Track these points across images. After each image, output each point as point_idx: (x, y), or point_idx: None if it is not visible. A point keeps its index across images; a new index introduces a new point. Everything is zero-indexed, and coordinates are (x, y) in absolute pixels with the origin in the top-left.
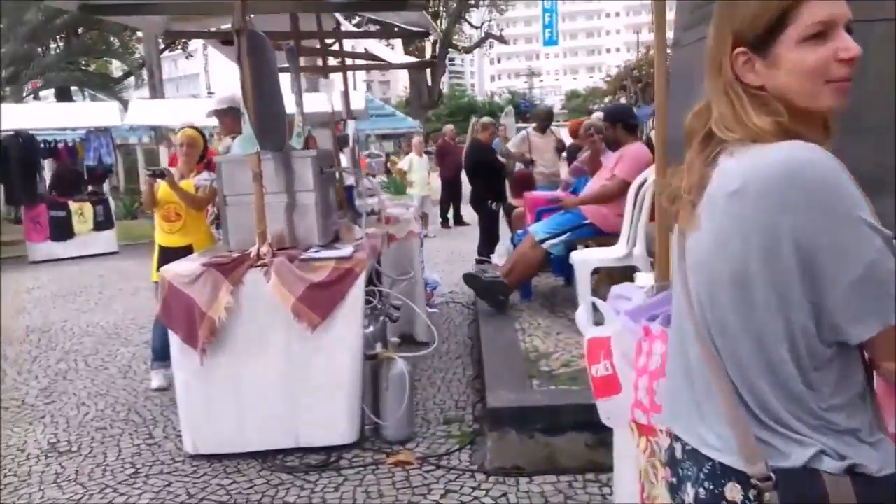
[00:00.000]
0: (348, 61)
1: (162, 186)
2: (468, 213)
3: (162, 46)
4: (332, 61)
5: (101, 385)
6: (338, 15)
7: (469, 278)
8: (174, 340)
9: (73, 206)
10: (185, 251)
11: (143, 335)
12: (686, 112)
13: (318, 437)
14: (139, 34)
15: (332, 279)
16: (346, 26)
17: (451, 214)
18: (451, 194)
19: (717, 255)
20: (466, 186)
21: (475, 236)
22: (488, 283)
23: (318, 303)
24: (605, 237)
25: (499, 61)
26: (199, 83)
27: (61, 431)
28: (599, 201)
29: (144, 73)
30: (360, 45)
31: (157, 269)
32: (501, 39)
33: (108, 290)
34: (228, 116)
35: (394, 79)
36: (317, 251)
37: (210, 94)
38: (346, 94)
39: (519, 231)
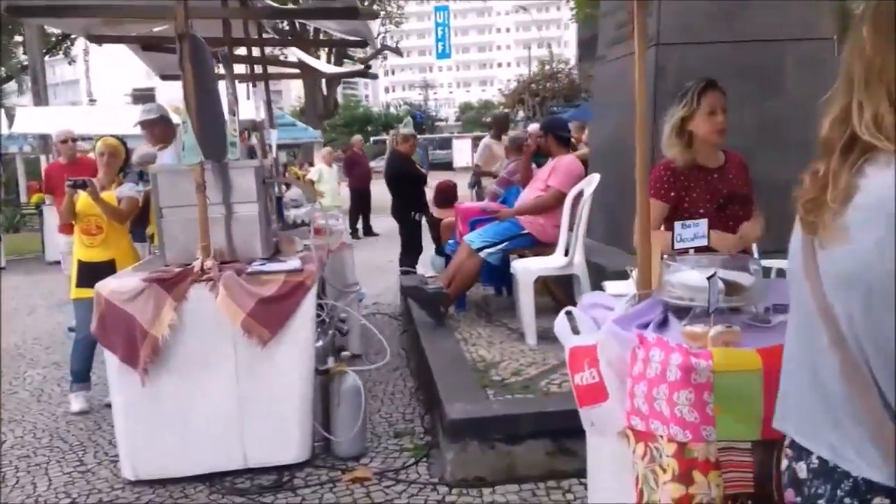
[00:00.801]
0: (266, 70)
1: (82, 198)
2: (379, 224)
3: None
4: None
5: (14, 410)
6: (264, 22)
7: (411, 291)
8: (111, 361)
9: None
10: (107, 265)
11: (49, 356)
12: (608, 125)
13: (268, 457)
14: (17, 38)
15: (282, 293)
16: (268, 34)
17: (360, 225)
18: (360, 205)
19: (881, 270)
20: (377, 197)
21: (387, 246)
22: (432, 295)
23: (269, 317)
24: (542, 247)
25: (392, 73)
26: (78, 89)
27: None
28: (535, 212)
29: (23, 78)
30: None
31: (78, 285)
32: (397, 51)
33: (2, 308)
34: (158, 126)
35: (286, 88)
36: (262, 264)
37: (92, 100)
38: (268, 103)
39: (450, 241)
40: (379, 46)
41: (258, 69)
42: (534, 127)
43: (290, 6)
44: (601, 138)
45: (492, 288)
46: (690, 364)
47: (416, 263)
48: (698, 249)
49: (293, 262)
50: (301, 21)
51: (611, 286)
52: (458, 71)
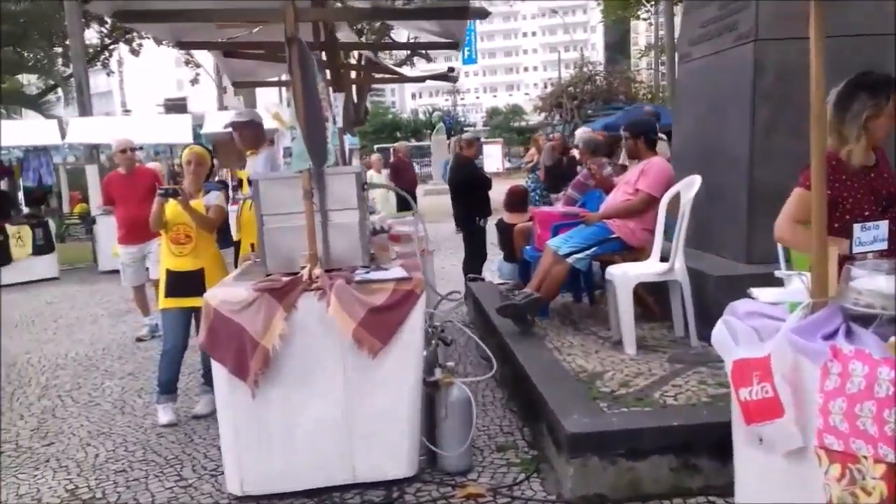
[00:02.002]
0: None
1: (171, 206)
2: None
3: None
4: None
5: (100, 423)
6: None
7: (504, 308)
8: (220, 372)
9: (10, 229)
10: (197, 275)
11: (123, 366)
12: (694, 125)
13: (377, 471)
14: (56, 49)
15: (392, 302)
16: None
17: None
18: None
19: None
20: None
21: (441, 253)
22: (524, 306)
23: (380, 327)
24: (630, 251)
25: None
26: (112, 100)
27: (76, 476)
28: (624, 216)
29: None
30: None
31: (168, 295)
32: (427, 57)
33: (64, 319)
34: (248, 130)
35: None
36: (366, 272)
37: (126, 111)
38: (351, 107)
39: (526, 247)
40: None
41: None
42: (582, 130)
43: (395, 6)
44: (686, 138)
45: (569, 295)
46: None
47: (482, 270)
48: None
49: (397, 270)
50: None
51: (761, 293)
52: (484, 76)
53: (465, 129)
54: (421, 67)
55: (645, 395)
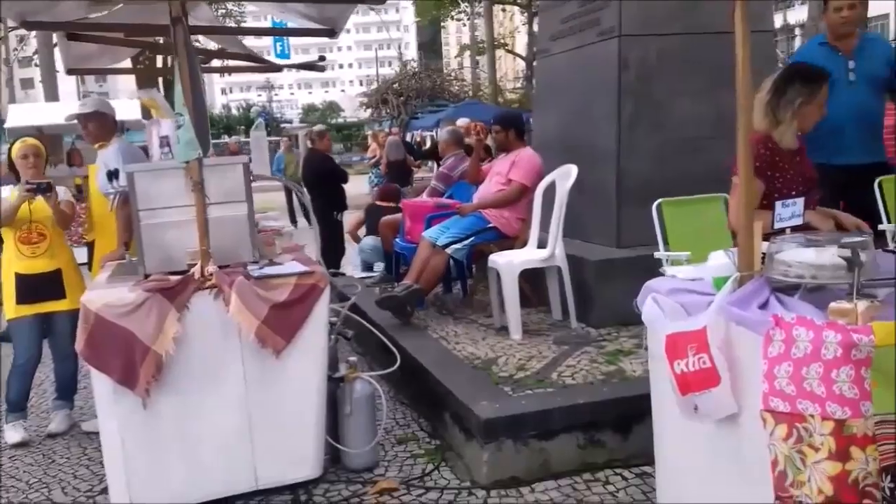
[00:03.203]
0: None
1: (31, 204)
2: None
3: None
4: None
5: None
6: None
7: (384, 301)
8: (102, 384)
9: None
10: (54, 276)
11: None
12: (557, 119)
13: (282, 475)
14: None
15: (295, 297)
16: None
17: None
18: None
19: None
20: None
21: None
22: (405, 297)
23: (284, 324)
24: (506, 240)
25: (230, 74)
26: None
27: None
28: (499, 205)
29: None
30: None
31: (19, 302)
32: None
33: None
34: (93, 122)
35: (116, 88)
36: (260, 268)
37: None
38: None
39: (397, 240)
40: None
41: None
42: (464, 121)
43: None
44: (548, 132)
45: (440, 286)
46: (852, 340)
47: (340, 265)
48: (794, 229)
49: (293, 265)
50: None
51: (679, 271)
52: (298, 72)
53: (282, 125)
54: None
55: (544, 377)
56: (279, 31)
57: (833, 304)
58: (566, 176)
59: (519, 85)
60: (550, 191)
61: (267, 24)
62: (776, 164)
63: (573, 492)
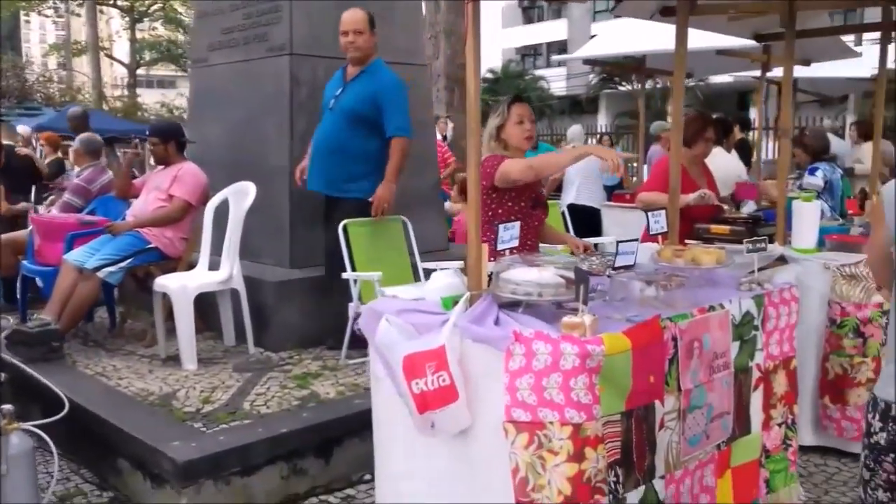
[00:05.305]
0: None
1: None
2: None
3: None
4: None
5: None
6: None
7: (16, 335)
8: None
9: None
10: None
11: None
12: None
13: None
14: None
15: None
16: None
17: None
18: None
19: None
20: None
21: None
22: (40, 335)
23: None
24: (169, 262)
25: None
26: None
27: None
28: (160, 224)
29: None
30: None
31: None
32: None
33: None
34: None
35: None
36: None
37: None
38: None
39: (24, 262)
40: None
41: None
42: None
43: None
44: (210, 146)
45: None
46: (587, 351)
47: None
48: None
49: None
50: None
51: (401, 291)
52: None
53: None
54: None
55: (235, 408)
56: None
57: (565, 319)
58: (242, 194)
59: (124, 93)
60: (220, 209)
61: None
62: (498, 188)
63: None
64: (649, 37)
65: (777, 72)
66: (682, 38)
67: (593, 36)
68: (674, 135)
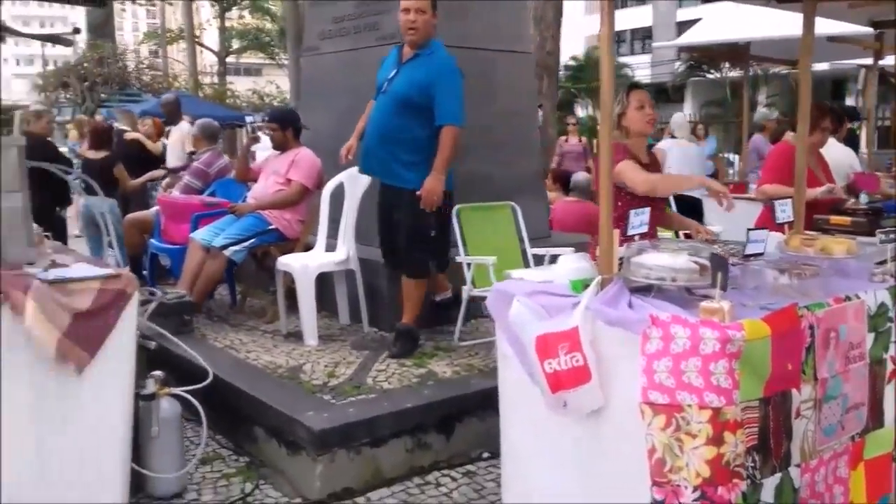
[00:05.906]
0: None
1: None
2: None
3: None
4: None
5: None
6: None
7: (157, 307)
8: None
9: None
10: None
11: None
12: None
13: None
14: None
15: (100, 305)
16: None
17: None
18: None
19: None
20: None
21: None
22: (177, 306)
23: (88, 336)
24: (288, 243)
25: None
26: None
27: None
28: (279, 206)
29: None
30: None
31: None
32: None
33: None
34: None
35: None
36: (45, 270)
37: None
38: None
39: (152, 241)
40: None
41: None
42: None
43: None
44: (319, 133)
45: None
46: (728, 336)
47: None
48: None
49: (86, 268)
50: None
51: (528, 274)
52: None
53: None
54: None
55: (360, 383)
56: None
57: (704, 304)
58: (357, 178)
59: (215, 80)
60: (335, 193)
61: None
62: None
63: (408, 497)
64: (753, 23)
65: (889, 59)
66: (808, 25)
67: (690, 21)
68: (800, 125)
